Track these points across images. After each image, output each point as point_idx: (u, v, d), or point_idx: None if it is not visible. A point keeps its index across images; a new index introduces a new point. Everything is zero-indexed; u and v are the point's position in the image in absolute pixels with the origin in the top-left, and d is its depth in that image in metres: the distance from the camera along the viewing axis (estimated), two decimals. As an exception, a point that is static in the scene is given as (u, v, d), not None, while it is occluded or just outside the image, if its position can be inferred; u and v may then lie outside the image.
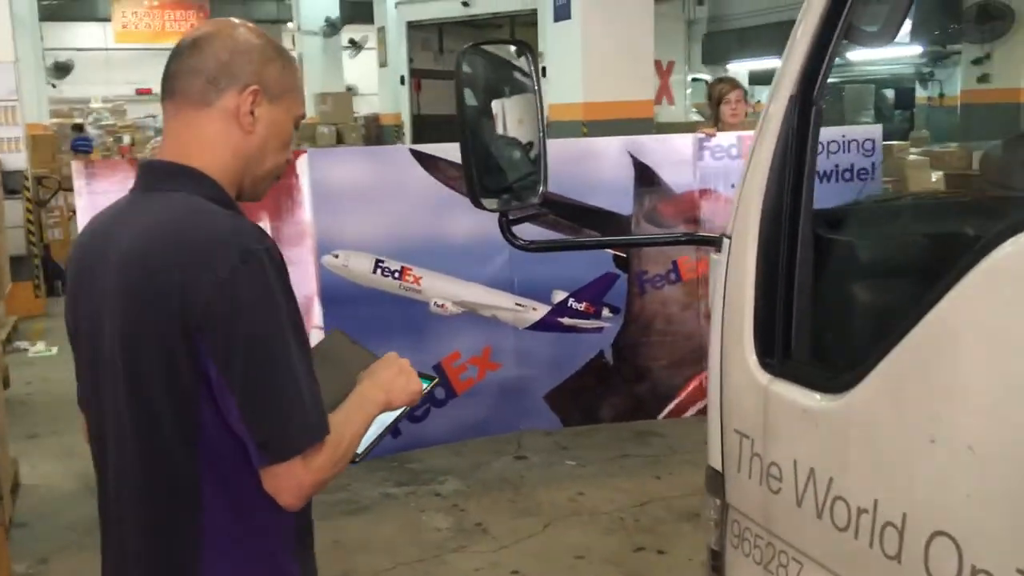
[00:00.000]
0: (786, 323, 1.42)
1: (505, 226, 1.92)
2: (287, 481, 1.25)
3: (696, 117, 15.90)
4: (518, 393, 4.62)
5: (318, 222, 4.19)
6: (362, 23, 19.66)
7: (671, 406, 4.81)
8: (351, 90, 18.72)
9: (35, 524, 3.89)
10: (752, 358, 1.47)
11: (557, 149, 4.95)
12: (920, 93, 20.49)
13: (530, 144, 2.04)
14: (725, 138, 4.77)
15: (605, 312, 4.73)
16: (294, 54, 21.32)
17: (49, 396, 5.64)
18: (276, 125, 1.39)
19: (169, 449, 1.29)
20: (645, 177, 4.72)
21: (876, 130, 4.90)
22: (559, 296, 4.65)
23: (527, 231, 1.94)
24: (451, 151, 4.59)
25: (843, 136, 4.82)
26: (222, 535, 1.30)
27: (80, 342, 1.40)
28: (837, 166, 4.78)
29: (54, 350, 6.70)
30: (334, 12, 18.15)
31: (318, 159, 4.24)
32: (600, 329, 4.72)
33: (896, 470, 1.17)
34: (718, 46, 16.13)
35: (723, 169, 4.74)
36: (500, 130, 1.87)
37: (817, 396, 1.32)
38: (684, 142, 4.83)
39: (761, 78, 17.26)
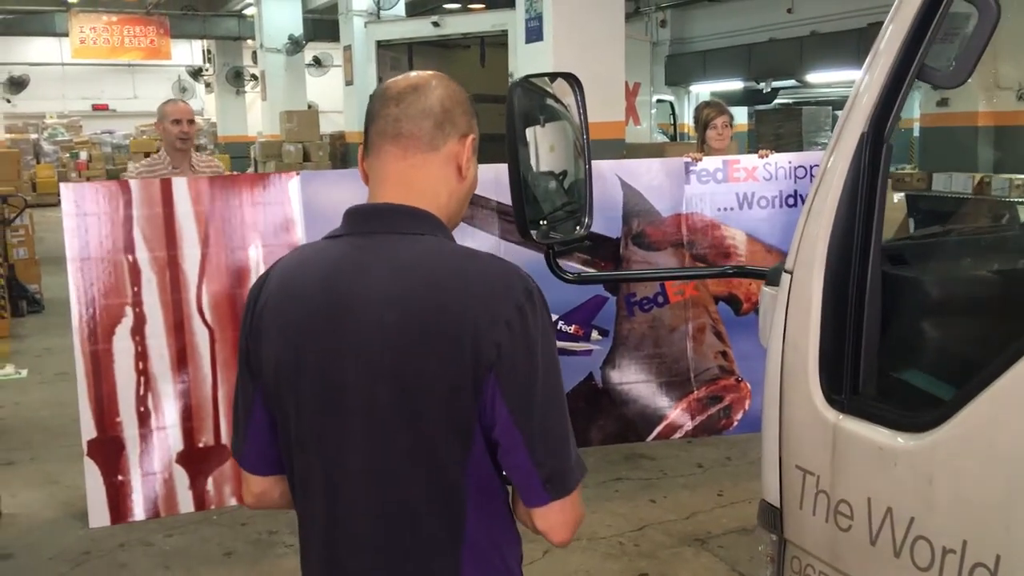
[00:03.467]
0: (855, 359, 1.43)
1: (551, 259, 1.91)
2: (566, 515, 1.31)
3: (661, 137, 16.07)
4: (508, 417, 4.59)
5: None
6: (326, 41, 19.62)
7: (660, 428, 4.81)
8: (311, 107, 18.63)
9: (20, 555, 3.77)
10: (818, 394, 1.47)
11: (546, 172, 4.99)
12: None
13: (564, 173, 2.04)
14: (711, 162, 4.80)
15: (594, 335, 4.73)
16: (256, 72, 21.21)
17: (23, 421, 5.49)
18: (475, 175, 1.44)
19: (440, 483, 1.30)
20: (633, 200, 4.74)
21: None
22: (549, 319, 4.65)
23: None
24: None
25: (789, 162, 4.84)
26: (479, 566, 1.34)
27: (303, 386, 1.34)
28: (781, 192, 4.80)
29: (24, 373, 6.53)
30: (298, 30, 18.07)
31: (310, 182, 4.20)
32: (589, 352, 4.72)
33: (990, 511, 1.18)
34: (681, 68, 16.35)
35: (709, 193, 4.77)
36: (542, 159, 1.87)
37: (895, 434, 1.33)
38: (671, 166, 4.85)
39: (721, 99, 17.53)
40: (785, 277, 1.56)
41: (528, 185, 1.77)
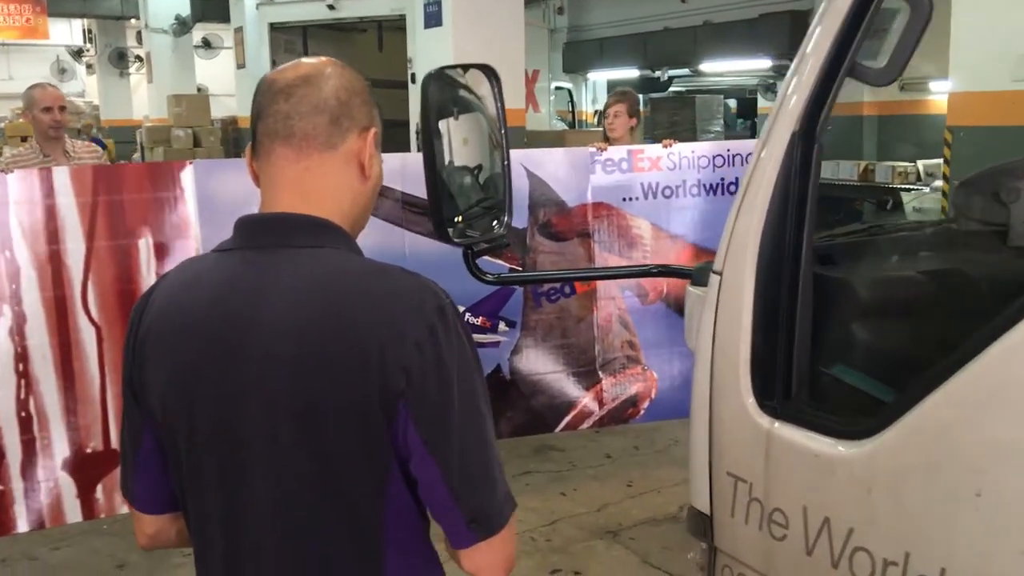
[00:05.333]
0: (788, 363, 1.39)
1: (470, 259, 1.83)
2: (495, 556, 1.19)
3: (559, 124, 16.10)
4: (414, 412, 4.50)
5: (206, 240, 3.95)
6: (216, 22, 18.97)
7: (568, 419, 4.78)
8: (201, 91, 18.00)
9: None
10: (750, 399, 1.43)
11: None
12: (764, 104, 21.49)
13: (479, 168, 1.95)
14: (616, 152, 4.79)
15: (501, 326, 4.67)
16: (141, 53, 20.35)
17: None
18: (380, 172, 1.28)
19: (355, 522, 1.18)
20: (539, 190, 4.69)
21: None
22: (455, 311, 4.56)
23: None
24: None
25: (728, 150, 4.92)
26: None
27: (196, 423, 1.19)
28: (723, 179, 4.88)
29: None
30: (185, 10, 17.39)
31: (204, 171, 4.00)
32: (497, 344, 4.66)
33: (933, 522, 1.15)
34: (578, 55, 16.38)
35: (614, 182, 4.76)
36: (456, 153, 1.78)
37: (833, 442, 1.29)
38: (576, 156, 4.82)
39: (619, 87, 17.68)
40: (714, 278, 1.51)
41: (444, 182, 1.68)
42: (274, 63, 11.47)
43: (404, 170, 4.41)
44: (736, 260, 1.45)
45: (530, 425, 4.79)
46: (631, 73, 15.72)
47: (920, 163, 11.27)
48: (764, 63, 13.77)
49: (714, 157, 4.89)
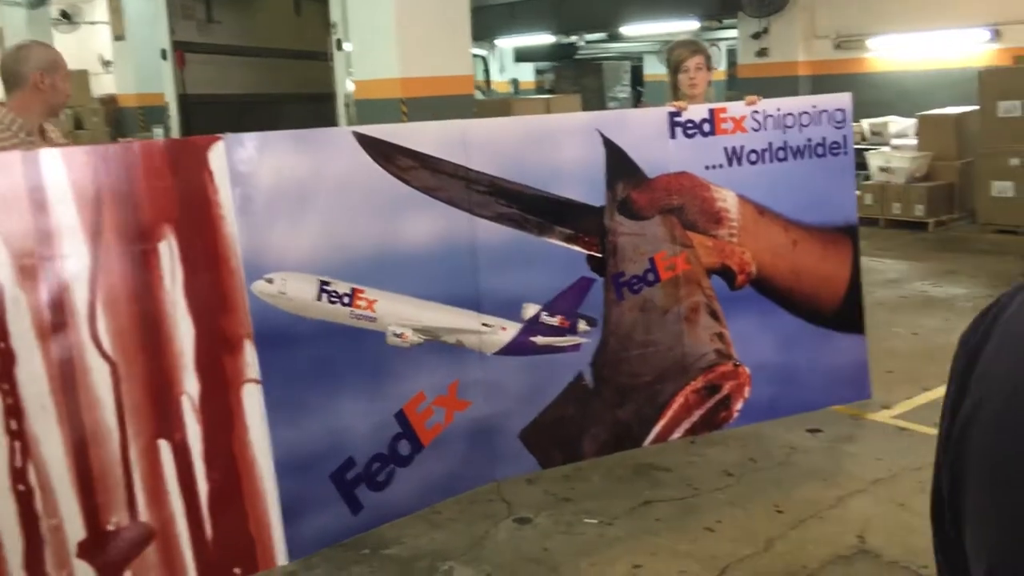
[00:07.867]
0: None
1: None
2: None
3: (478, 95, 15.23)
4: (490, 435, 3.69)
5: (243, 235, 3.01)
6: (75, -9, 17.19)
7: (657, 429, 4.06)
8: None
9: None
10: None
11: (511, 128, 4.02)
12: (653, 72, 21.30)
13: None
14: (696, 112, 4.07)
15: (582, 325, 3.89)
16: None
17: None
18: None
19: None
20: (616, 160, 3.91)
21: (846, 99, 4.37)
22: (530, 310, 3.75)
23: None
24: (401, 134, 3.55)
25: (813, 106, 4.29)
26: None
27: None
28: (810, 140, 4.26)
29: None
30: (41, -21, 15.61)
31: (239, 148, 3.04)
32: (577, 347, 3.87)
33: None
34: (486, 20, 15.52)
35: (696, 147, 4.04)
36: None
37: None
38: (653, 118, 4.07)
39: (528, 54, 16.96)
40: None
41: None
42: (172, 32, 10.15)
43: (466, 140, 3.57)
44: None
45: (616, 441, 4.04)
46: (545, 39, 15.01)
47: (865, 122, 11.06)
48: (692, 24, 13.29)
49: (800, 115, 4.24)
